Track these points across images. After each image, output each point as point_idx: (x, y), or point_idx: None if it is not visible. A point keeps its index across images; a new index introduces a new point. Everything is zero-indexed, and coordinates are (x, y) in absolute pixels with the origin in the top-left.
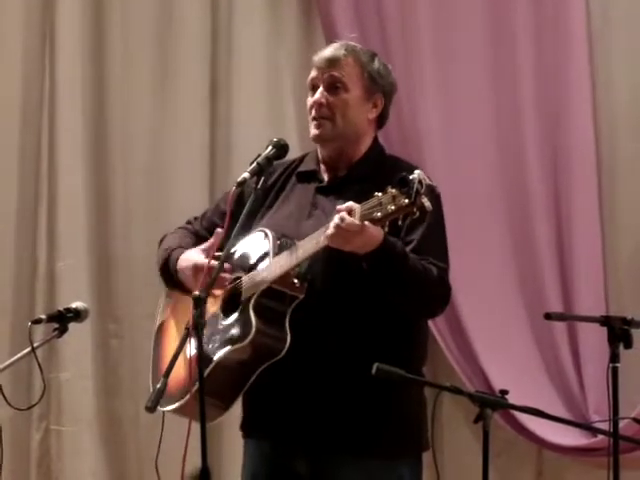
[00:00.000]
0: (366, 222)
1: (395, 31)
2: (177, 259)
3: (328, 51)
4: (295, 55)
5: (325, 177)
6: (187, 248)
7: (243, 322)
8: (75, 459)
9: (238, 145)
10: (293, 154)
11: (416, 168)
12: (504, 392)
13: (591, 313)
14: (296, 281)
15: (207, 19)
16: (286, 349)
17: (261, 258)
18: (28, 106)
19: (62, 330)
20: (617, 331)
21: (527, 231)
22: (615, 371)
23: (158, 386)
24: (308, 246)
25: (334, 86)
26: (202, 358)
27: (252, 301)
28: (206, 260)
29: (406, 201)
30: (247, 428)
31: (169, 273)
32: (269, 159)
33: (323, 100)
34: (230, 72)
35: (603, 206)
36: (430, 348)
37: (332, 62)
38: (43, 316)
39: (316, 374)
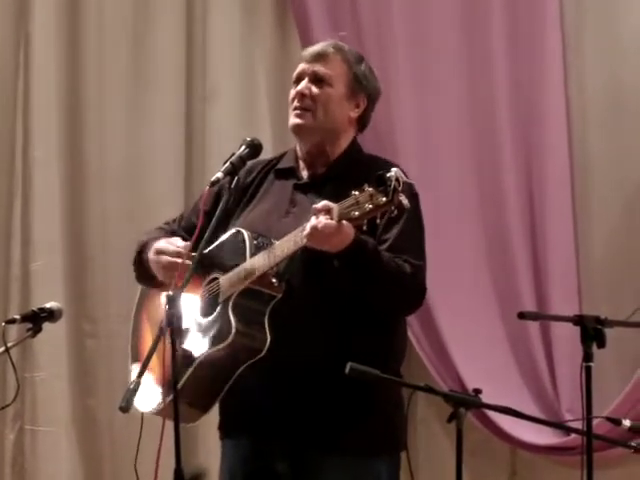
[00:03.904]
0: (343, 221)
1: (370, 34)
2: (150, 248)
3: (318, 46)
4: (270, 56)
5: (304, 174)
6: None
7: (222, 323)
8: (50, 459)
9: (213, 145)
10: (267, 154)
11: (394, 165)
12: (477, 391)
13: (564, 312)
14: (274, 280)
15: (182, 19)
16: (266, 348)
17: (238, 258)
18: (2, 104)
19: (36, 330)
20: (590, 330)
21: (501, 230)
22: (588, 370)
23: (131, 387)
24: (286, 246)
25: (319, 79)
26: (176, 363)
27: (231, 302)
28: (169, 245)
29: (383, 199)
30: (226, 428)
31: (143, 266)
32: (243, 159)
33: (306, 91)
34: (205, 73)
35: (576, 205)
36: None
37: (320, 56)
38: (17, 316)
39: (295, 372)
